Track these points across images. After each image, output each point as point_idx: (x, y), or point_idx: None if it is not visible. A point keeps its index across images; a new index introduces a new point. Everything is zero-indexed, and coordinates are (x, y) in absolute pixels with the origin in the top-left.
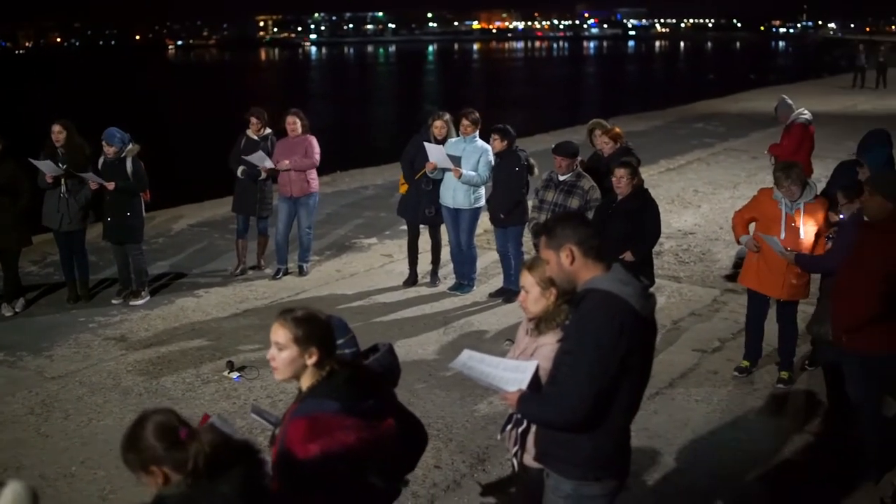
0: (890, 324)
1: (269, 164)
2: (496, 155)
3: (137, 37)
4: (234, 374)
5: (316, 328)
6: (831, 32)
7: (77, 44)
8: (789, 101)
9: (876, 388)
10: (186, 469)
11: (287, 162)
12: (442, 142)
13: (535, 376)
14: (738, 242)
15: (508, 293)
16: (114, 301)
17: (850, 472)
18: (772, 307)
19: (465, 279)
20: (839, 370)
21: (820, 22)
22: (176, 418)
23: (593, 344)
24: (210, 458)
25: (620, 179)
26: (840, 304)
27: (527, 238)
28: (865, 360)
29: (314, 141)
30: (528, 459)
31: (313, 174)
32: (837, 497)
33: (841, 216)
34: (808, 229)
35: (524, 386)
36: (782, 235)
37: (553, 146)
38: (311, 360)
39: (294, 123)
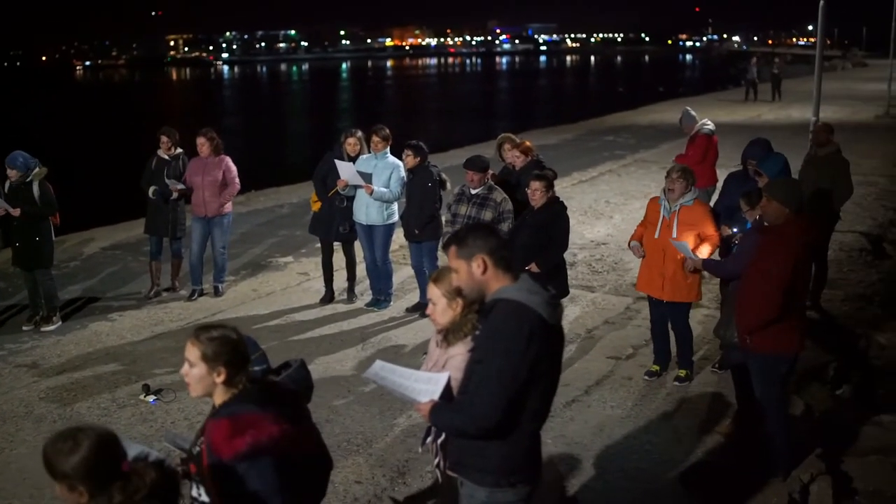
0: (789, 324)
1: (179, 186)
2: (409, 171)
3: (44, 57)
4: (151, 398)
5: (225, 347)
6: (735, 45)
7: None
8: (693, 113)
9: (779, 386)
10: (113, 500)
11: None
12: (354, 159)
13: (448, 387)
14: (629, 246)
15: (425, 308)
16: (24, 328)
17: (760, 470)
18: None
19: (381, 295)
20: (746, 371)
21: (725, 35)
22: (119, 447)
23: (503, 352)
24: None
25: (535, 192)
26: (742, 307)
27: (442, 253)
28: (768, 360)
29: (230, 163)
30: (449, 470)
31: (227, 194)
32: (748, 495)
33: (734, 230)
34: (681, 230)
35: (436, 397)
36: (656, 235)
37: (464, 161)
38: (219, 379)
39: (203, 145)
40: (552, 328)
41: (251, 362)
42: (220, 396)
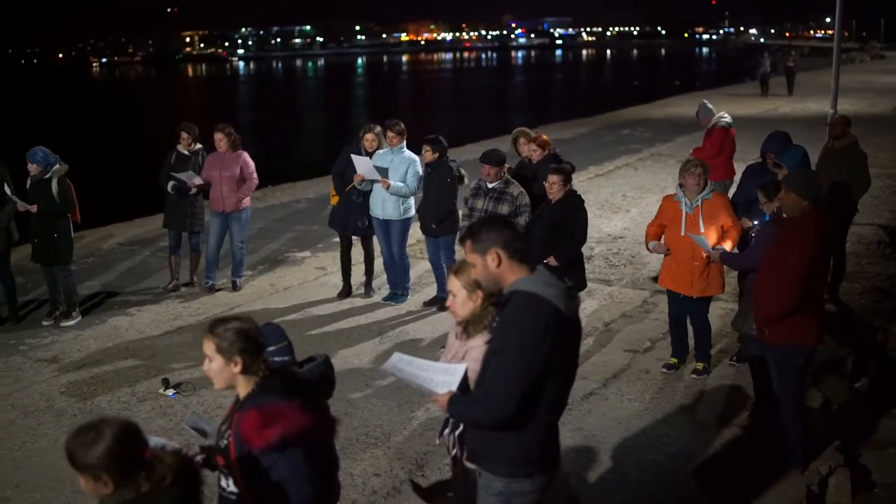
0: (806, 316)
1: (197, 180)
2: (427, 165)
3: (60, 55)
4: (170, 392)
5: (238, 336)
6: (752, 38)
7: None
8: (710, 106)
9: (797, 379)
10: (134, 487)
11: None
12: (372, 154)
13: (465, 378)
14: (648, 249)
15: (442, 301)
16: (44, 322)
17: (777, 462)
18: None
19: (398, 289)
20: (764, 363)
21: (741, 28)
22: (139, 434)
23: (519, 344)
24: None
25: (553, 185)
26: (760, 299)
27: (459, 246)
28: (785, 352)
29: (248, 158)
30: (466, 461)
31: (245, 189)
32: (767, 487)
33: (755, 222)
34: (708, 224)
35: (454, 388)
36: (682, 232)
37: (480, 155)
38: (236, 369)
39: (220, 140)
40: (568, 319)
41: (273, 352)
42: (242, 388)
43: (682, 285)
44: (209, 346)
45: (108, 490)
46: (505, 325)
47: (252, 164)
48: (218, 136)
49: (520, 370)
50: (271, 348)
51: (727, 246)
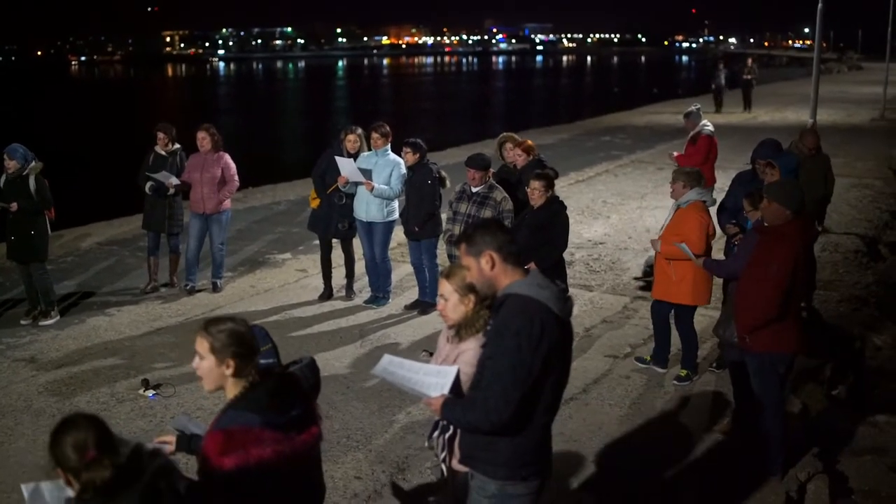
0: (786, 323)
1: (174, 180)
2: (408, 168)
3: (39, 52)
4: (150, 393)
5: (232, 338)
6: (731, 47)
7: None
8: (700, 112)
9: (777, 386)
10: (83, 484)
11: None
12: (354, 156)
13: (456, 381)
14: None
15: (424, 305)
16: (22, 322)
17: (757, 469)
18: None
19: (380, 292)
20: (744, 370)
21: (721, 37)
22: (93, 436)
23: (515, 347)
24: (112, 479)
25: (535, 191)
26: (741, 306)
27: (441, 250)
28: (766, 360)
29: (229, 160)
30: (457, 464)
31: (226, 191)
32: (745, 493)
33: (734, 222)
34: (669, 232)
35: (446, 391)
36: (657, 236)
37: (466, 159)
38: (228, 371)
39: (203, 139)
40: (563, 322)
41: (264, 354)
42: (231, 390)
43: (655, 288)
44: (202, 345)
45: (74, 486)
46: (500, 329)
47: (233, 165)
48: (201, 134)
49: (517, 374)
50: (263, 348)
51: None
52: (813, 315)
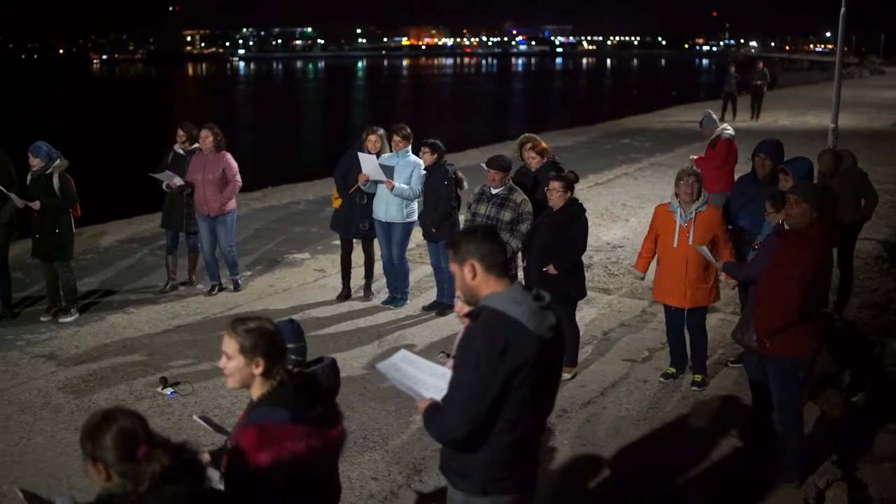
0: (806, 328)
1: (177, 181)
2: (426, 169)
3: (61, 50)
4: (168, 390)
5: (262, 338)
6: (752, 51)
7: None
8: (714, 116)
9: (796, 391)
10: (131, 480)
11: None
12: (376, 157)
13: None
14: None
15: (441, 306)
16: (42, 318)
17: (774, 475)
18: None
19: (398, 293)
20: (763, 375)
21: (742, 40)
22: (142, 430)
23: (473, 365)
24: (161, 474)
25: (554, 192)
26: (761, 310)
27: None
28: (785, 364)
29: (231, 160)
30: (439, 469)
31: (228, 192)
32: (762, 499)
33: (758, 235)
34: (699, 236)
35: (439, 396)
36: (675, 244)
37: (486, 160)
38: (257, 370)
39: (206, 137)
40: (539, 338)
41: (291, 349)
42: (257, 389)
43: (674, 297)
44: (230, 344)
45: (102, 479)
46: (465, 343)
47: (235, 165)
48: (204, 132)
49: (473, 392)
50: (291, 345)
51: (724, 256)
52: (843, 323)
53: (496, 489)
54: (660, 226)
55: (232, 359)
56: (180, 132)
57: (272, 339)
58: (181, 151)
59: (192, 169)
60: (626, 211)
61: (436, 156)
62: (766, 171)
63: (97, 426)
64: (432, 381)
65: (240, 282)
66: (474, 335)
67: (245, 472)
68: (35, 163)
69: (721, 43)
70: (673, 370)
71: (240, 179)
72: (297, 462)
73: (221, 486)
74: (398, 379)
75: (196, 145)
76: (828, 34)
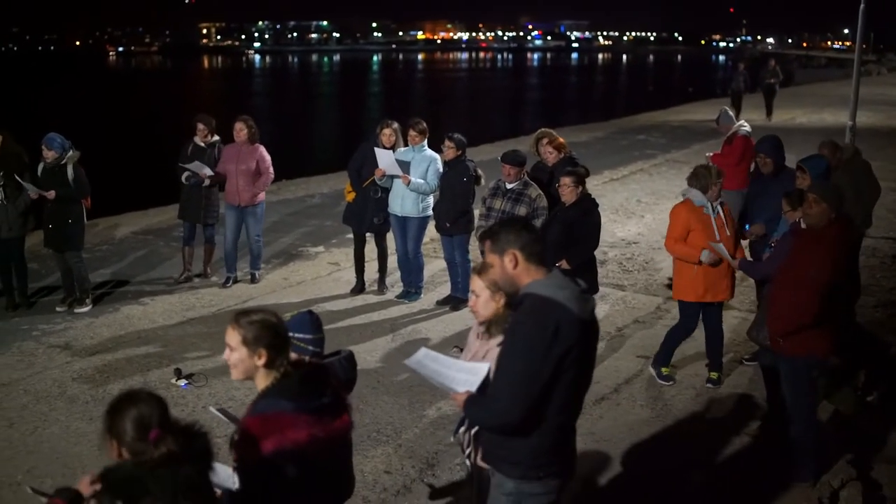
0: (821, 328)
1: (207, 171)
2: (445, 163)
3: (77, 42)
4: (182, 382)
5: (264, 330)
6: (769, 47)
7: (15, 49)
8: (731, 113)
9: (810, 390)
10: (141, 460)
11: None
12: (391, 150)
13: (486, 378)
14: (700, 262)
15: (455, 301)
16: (58, 309)
17: (788, 474)
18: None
19: (412, 287)
20: (777, 373)
21: (759, 37)
22: (157, 415)
23: (525, 348)
24: (169, 457)
25: (565, 187)
26: (775, 309)
27: (473, 246)
28: (799, 364)
29: (265, 152)
30: (480, 461)
31: (261, 183)
32: (776, 498)
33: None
34: (730, 229)
35: (474, 388)
36: (717, 238)
37: (501, 155)
38: (260, 362)
39: (241, 130)
40: (583, 322)
41: (310, 340)
42: (261, 381)
43: (718, 292)
44: (233, 336)
45: (114, 455)
46: (514, 329)
47: (268, 158)
48: (238, 125)
49: (527, 376)
50: (308, 336)
51: (739, 252)
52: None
53: (547, 473)
54: (693, 224)
55: (235, 350)
56: (200, 125)
57: (275, 331)
58: (201, 144)
59: (225, 159)
60: (640, 207)
61: (460, 151)
62: (770, 169)
63: (119, 404)
64: (461, 375)
65: (258, 275)
66: (523, 321)
67: (252, 461)
68: (49, 155)
69: (738, 39)
70: (716, 375)
71: (272, 172)
72: (300, 451)
73: (227, 483)
74: (426, 374)
75: (216, 138)
76: (846, 31)
